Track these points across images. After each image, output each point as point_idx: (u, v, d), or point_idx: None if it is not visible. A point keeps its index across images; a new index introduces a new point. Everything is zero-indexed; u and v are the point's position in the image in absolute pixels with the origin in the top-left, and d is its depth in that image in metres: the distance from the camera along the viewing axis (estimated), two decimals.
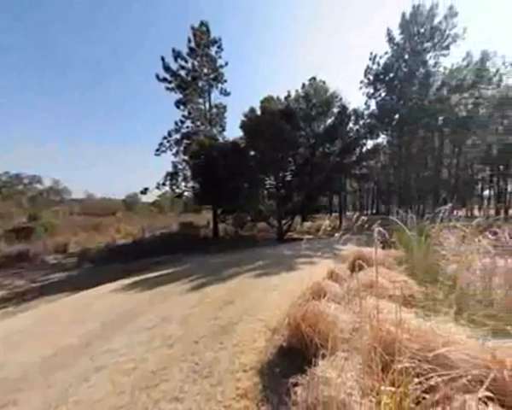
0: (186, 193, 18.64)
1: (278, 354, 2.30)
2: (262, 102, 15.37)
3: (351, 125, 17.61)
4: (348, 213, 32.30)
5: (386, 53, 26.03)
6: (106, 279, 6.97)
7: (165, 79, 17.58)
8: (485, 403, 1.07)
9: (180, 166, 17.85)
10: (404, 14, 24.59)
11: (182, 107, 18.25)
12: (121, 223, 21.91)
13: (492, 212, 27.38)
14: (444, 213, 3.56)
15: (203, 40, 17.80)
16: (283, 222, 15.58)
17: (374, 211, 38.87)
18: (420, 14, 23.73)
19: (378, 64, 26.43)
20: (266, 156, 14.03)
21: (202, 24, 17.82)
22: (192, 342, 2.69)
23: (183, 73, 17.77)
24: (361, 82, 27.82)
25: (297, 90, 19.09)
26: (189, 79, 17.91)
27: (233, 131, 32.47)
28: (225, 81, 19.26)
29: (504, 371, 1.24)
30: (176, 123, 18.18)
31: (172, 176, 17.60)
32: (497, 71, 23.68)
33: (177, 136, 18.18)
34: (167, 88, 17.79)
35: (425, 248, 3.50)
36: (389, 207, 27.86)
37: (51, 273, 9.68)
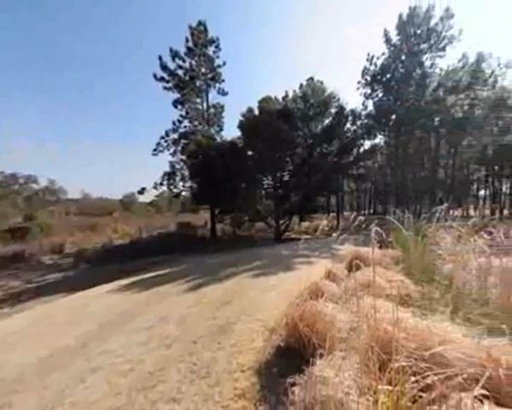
0: (184, 193, 18.61)
1: (276, 353, 2.30)
2: (260, 102, 15.37)
3: (348, 125, 17.67)
4: (346, 214, 32.49)
5: (383, 54, 26.24)
6: (102, 280, 6.91)
7: (162, 79, 17.51)
8: (481, 401, 1.08)
9: (178, 166, 17.81)
10: (400, 16, 24.79)
11: (179, 106, 18.19)
12: (118, 223, 21.78)
13: (488, 212, 27.70)
14: (440, 213, 3.59)
15: (201, 40, 17.76)
16: (281, 222, 15.59)
17: (371, 211, 39.12)
18: (416, 15, 23.92)
19: (375, 65, 26.62)
20: (264, 156, 14.04)
21: (200, 23, 17.78)
22: (190, 343, 2.68)
23: (180, 72, 17.72)
24: (358, 82, 28.01)
25: (295, 91, 19.16)
26: (187, 78, 17.86)
27: (231, 131, 32.44)
28: (223, 81, 19.26)
29: (499, 369, 1.26)
30: (173, 123, 18.13)
31: (170, 176, 17.54)
32: (493, 72, 23.94)
33: (175, 135, 18.12)
34: (165, 87, 17.73)
35: (421, 247, 3.53)
36: (386, 207, 28.07)
37: (47, 274, 9.59)
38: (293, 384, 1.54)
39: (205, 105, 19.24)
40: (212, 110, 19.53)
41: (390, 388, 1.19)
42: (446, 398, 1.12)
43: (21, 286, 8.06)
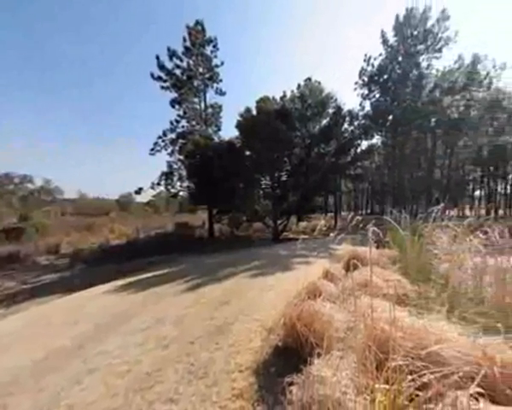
0: (181, 193, 18.52)
1: (274, 353, 2.31)
2: (258, 102, 15.38)
3: (346, 125, 17.73)
4: (343, 213, 32.58)
5: (380, 55, 26.38)
6: (99, 280, 6.87)
7: (159, 78, 17.43)
8: (477, 399, 1.10)
9: (175, 166, 17.72)
10: (397, 17, 24.95)
11: (177, 106, 18.12)
12: (115, 223, 21.63)
13: (483, 212, 28.00)
14: (436, 212, 3.62)
15: (198, 39, 17.71)
16: (279, 222, 15.61)
17: (368, 211, 39.35)
18: (413, 16, 24.10)
19: (372, 66, 26.76)
20: (262, 156, 14.04)
21: (198, 23, 17.73)
22: (187, 343, 2.67)
23: (178, 72, 17.64)
24: (356, 83, 28.13)
25: (292, 91, 19.17)
26: (185, 78, 17.79)
27: (228, 131, 32.63)
28: (221, 81, 19.21)
29: (494, 367, 1.27)
30: (171, 122, 18.05)
31: (167, 176, 17.46)
32: (488, 74, 24.21)
33: (173, 135, 18.05)
34: (162, 87, 17.65)
35: (418, 247, 3.55)
36: (383, 207, 28.25)
37: (43, 275, 9.49)
38: (291, 384, 1.54)
39: (202, 105, 19.19)
40: (209, 110, 19.48)
41: (387, 387, 1.20)
42: (442, 396, 1.13)
43: (16, 287, 7.97)
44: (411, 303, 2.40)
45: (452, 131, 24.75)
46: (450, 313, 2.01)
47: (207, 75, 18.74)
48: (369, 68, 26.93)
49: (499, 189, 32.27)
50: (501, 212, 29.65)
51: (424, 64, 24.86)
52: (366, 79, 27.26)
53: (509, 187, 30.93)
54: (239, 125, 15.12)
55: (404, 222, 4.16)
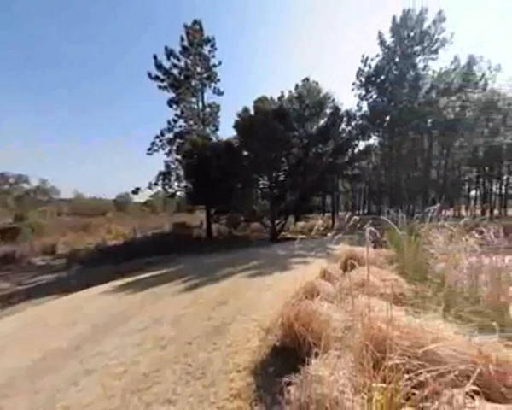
0: (179, 193, 18.44)
1: (272, 353, 2.31)
2: (255, 102, 15.37)
3: (343, 126, 17.79)
4: (340, 213, 32.73)
5: (377, 55, 26.56)
6: (96, 281, 6.81)
7: (157, 78, 17.34)
8: (472, 397, 1.11)
9: (173, 166, 17.64)
10: (394, 18, 25.12)
11: (174, 106, 18.04)
12: (112, 223, 21.50)
13: (479, 212, 28.32)
14: (432, 212, 3.65)
15: (196, 39, 17.65)
16: (277, 222, 15.62)
17: (365, 211, 39.54)
18: (410, 18, 24.29)
19: (370, 66, 26.93)
20: (260, 156, 14.04)
21: (195, 22, 17.68)
22: (185, 344, 2.66)
23: (175, 71, 17.57)
24: (353, 84, 28.27)
25: (290, 91, 19.18)
26: (182, 77, 17.73)
27: (226, 131, 32.54)
28: (219, 80, 19.17)
29: (490, 365, 1.29)
30: (168, 122, 17.97)
31: (165, 175, 17.38)
32: (483, 75, 24.47)
33: (170, 135, 17.96)
34: (160, 86, 17.56)
35: (415, 247, 3.58)
36: (380, 207, 28.43)
37: (39, 275, 9.39)
38: (289, 384, 1.54)
39: (200, 104, 19.14)
40: (207, 110, 19.43)
41: (384, 385, 1.21)
42: (439, 395, 1.15)
43: (12, 288, 7.87)
44: (408, 302, 2.41)
45: (448, 131, 24.98)
46: (446, 312, 2.02)
47: (205, 75, 18.70)
48: (367, 69, 27.12)
49: (494, 189, 32.59)
50: (496, 212, 29.96)
51: (421, 65, 25.12)
52: (363, 79, 27.42)
53: (503, 187, 31.26)
54: (237, 125, 15.10)
55: (400, 222, 4.20)
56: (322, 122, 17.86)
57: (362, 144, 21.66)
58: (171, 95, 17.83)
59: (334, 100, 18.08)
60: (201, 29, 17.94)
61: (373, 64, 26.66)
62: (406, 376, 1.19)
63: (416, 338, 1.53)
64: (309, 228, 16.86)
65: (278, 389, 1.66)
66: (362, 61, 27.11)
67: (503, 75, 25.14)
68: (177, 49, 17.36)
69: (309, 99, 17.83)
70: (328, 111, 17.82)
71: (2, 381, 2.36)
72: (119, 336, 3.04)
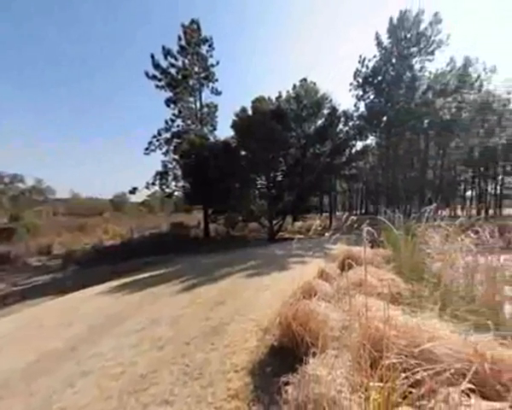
0: (176, 193, 18.41)
1: (269, 353, 2.31)
2: (253, 102, 15.37)
3: (340, 126, 17.87)
4: (338, 213, 32.86)
5: (374, 56, 26.67)
6: (93, 281, 6.76)
7: (154, 77, 17.26)
8: (468, 395, 1.12)
9: (170, 166, 17.60)
10: (391, 19, 25.26)
11: (172, 105, 17.98)
12: (109, 223, 21.34)
13: (474, 212, 28.59)
14: (429, 212, 3.68)
15: (194, 38, 17.60)
16: (274, 222, 15.63)
17: (363, 211, 39.75)
18: (406, 19, 24.44)
19: (367, 67, 27.04)
20: (257, 156, 14.04)
21: (193, 22, 17.62)
22: (183, 344, 2.65)
23: (173, 71, 17.51)
24: (350, 84, 28.37)
25: (288, 91, 19.23)
26: (180, 77, 17.66)
27: (224, 131, 32.38)
28: (216, 80, 19.15)
29: (485, 363, 1.30)
30: (166, 122, 17.90)
31: (162, 175, 17.32)
32: (479, 76, 24.74)
33: (168, 135, 17.90)
34: (157, 86, 17.49)
35: (411, 246, 3.61)
36: (377, 207, 28.59)
37: (34, 276, 9.30)
38: (287, 383, 1.54)
39: (198, 104, 19.10)
40: (205, 109, 19.39)
41: (381, 384, 1.21)
42: (435, 393, 1.16)
43: (7, 289, 7.78)
44: (405, 302, 2.43)
45: (444, 132, 25.21)
46: (442, 311, 2.04)
47: (203, 74, 18.65)
48: (364, 70, 27.23)
49: (489, 189, 32.95)
50: (491, 212, 30.31)
51: (417, 66, 25.29)
52: (361, 80, 27.54)
53: (498, 187, 31.63)
54: (234, 125, 15.09)
55: (397, 222, 4.22)
56: (319, 122, 17.93)
57: (359, 145, 21.85)
58: (169, 94, 17.78)
59: (331, 100, 18.17)
60: (199, 28, 17.90)
61: (370, 65, 26.80)
62: (403, 375, 1.20)
63: (412, 337, 1.54)
64: (307, 228, 16.89)
65: (276, 388, 1.66)
66: (359, 62, 27.25)
67: (499, 77, 25.44)
68: (175, 48, 17.33)
69: (307, 99, 17.88)
70: (325, 111, 17.89)
71: None
72: (116, 337, 3.02)
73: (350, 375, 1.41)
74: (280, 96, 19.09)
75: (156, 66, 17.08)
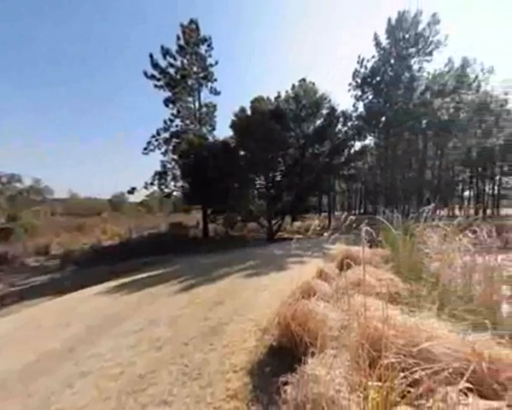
0: (175, 193, 18.33)
1: (268, 353, 2.31)
2: (252, 102, 15.38)
3: (339, 126, 17.91)
4: (337, 213, 32.88)
5: (373, 57, 26.77)
6: (91, 282, 6.73)
7: (153, 77, 17.20)
8: (466, 394, 1.13)
9: (169, 166, 17.52)
10: (389, 20, 25.35)
11: (171, 105, 17.92)
12: (107, 223, 21.26)
13: (472, 212, 28.75)
14: (427, 212, 3.69)
15: (192, 38, 17.56)
16: (273, 222, 15.63)
17: (361, 211, 39.85)
18: (405, 20, 24.54)
19: (366, 67, 27.13)
20: (256, 156, 14.03)
21: (192, 21, 17.58)
22: (181, 344, 2.65)
23: (171, 70, 17.44)
24: (349, 84, 28.45)
25: (287, 91, 19.25)
26: (178, 77, 17.60)
27: (223, 131, 32.47)
28: (215, 80, 19.10)
29: (483, 363, 1.31)
30: (165, 121, 17.83)
31: (161, 175, 17.25)
32: (476, 77, 24.88)
33: (166, 134, 17.83)
34: (156, 86, 17.42)
35: (410, 246, 3.62)
36: (376, 207, 28.68)
37: (32, 276, 9.24)
38: (286, 383, 1.54)
39: (197, 104, 19.04)
40: (204, 109, 19.35)
41: (380, 384, 1.22)
42: (433, 392, 1.16)
43: (4, 289, 7.73)
44: (403, 301, 2.44)
45: (442, 132, 25.33)
46: (440, 311, 2.05)
47: (202, 74, 18.61)
48: (363, 70, 27.33)
49: (487, 189, 33.14)
50: (489, 212, 30.46)
51: (415, 67, 25.42)
52: (359, 80, 27.61)
53: (496, 187, 31.80)
54: (233, 125, 15.08)
55: (396, 222, 4.23)
56: (318, 122, 17.95)
57: (358, 145, 21.87)
58: (168, 94, 17.72)
59: (330, 100, 18.21)
60: (198, 28, 17.86)
61: (369, 65, 26.90)
62: (401, 374, 1.20)
63: (411, 337, 1.54)
64: (305, 228, 16.90)
65: (275, 388, 1.66)
66: (358, 63, 27.33)
67: (496, 77, 25.63)
68: (174, 48, 17.27)
69: (305, 99, 17.91)
70: (324, 111, 17.92)
71: None
72: (115, 337, 3.01)
73: (348, 374, 1.41)
74: (279, 97, 19.10)
75: (155, 65, 17.02)
